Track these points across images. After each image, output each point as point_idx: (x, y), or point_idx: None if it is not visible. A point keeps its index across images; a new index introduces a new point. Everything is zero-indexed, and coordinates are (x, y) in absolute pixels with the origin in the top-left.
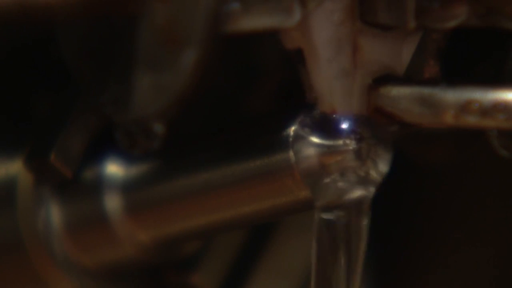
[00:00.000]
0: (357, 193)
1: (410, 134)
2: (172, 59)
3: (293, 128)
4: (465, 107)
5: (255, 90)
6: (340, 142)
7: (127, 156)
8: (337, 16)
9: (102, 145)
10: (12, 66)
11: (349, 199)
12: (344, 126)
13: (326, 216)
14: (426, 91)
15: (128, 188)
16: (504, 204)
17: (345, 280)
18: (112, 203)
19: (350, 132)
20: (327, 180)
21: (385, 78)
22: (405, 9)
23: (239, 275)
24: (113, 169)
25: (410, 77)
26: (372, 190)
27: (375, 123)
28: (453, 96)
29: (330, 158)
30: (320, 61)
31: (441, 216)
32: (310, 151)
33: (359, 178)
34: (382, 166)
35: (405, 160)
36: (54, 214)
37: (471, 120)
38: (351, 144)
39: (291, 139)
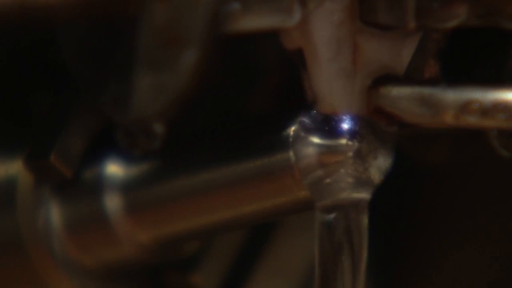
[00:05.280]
0: (357, 193)
1: (410, 134)
2: (172, 59)
3: (293, 128)
4: (465, 107)
5: (255, 90)
6: (340, 142)
7: (127, 156)
8: (337, 16)
9: (102, 145)
10: (12, 66)
11: (349, 199)
12: (344, 126)
13: (326, 216)
14: (426, 91)
15: (128, 188)
16: (504, 204)
17: (350, 280)
18: (112, 203)
19: (350, 132)
20: (327, 180)
21: (385, 78)
22: (405, 9)
23: (239, 275)
24: (113, 169)
25: (410, 77)
26: (372, 190)
27: (375, 123)
28: (453, 96)
29: (330, 158)
30: (320, 61)
31: (441, 216)
32: (310, 151)
33: (359, 178)
34: (382, 166)
35: (405, 160)
36: (54, 214)
37: (471, 120)
38: (351, 144)
39: (291, 139)
